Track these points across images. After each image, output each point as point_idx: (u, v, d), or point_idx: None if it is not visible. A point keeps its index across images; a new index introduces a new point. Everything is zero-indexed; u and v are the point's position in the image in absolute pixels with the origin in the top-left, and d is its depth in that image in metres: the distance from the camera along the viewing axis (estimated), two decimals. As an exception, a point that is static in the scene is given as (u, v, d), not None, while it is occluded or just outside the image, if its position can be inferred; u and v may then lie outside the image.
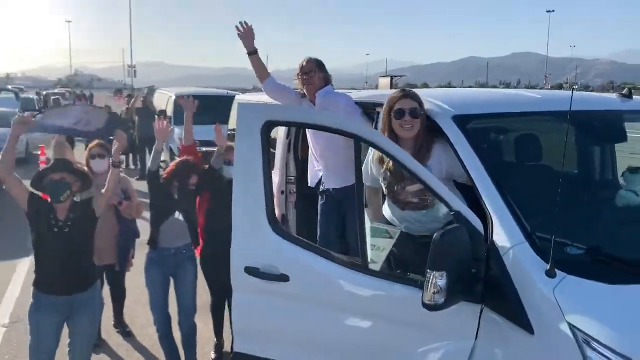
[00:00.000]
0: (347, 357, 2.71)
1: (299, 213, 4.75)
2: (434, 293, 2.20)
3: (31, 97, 26.69)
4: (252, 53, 3.81)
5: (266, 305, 2.79)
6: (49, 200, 3.24)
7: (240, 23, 3.81)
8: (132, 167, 13.90)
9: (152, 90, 22.57)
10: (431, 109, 2.90)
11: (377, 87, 5.38)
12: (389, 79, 5.05)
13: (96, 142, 4.42)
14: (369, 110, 3.67)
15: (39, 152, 11.44)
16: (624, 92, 3.41)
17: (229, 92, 14.79)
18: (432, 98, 3.01)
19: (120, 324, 5.03)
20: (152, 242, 3.96)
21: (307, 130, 3.97)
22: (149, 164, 4.09)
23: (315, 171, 4.06)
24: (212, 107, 12.71)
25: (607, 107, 3.45)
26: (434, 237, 2.19)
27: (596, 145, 3.80)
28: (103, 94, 61.52)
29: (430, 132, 2.85)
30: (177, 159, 4.08)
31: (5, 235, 7.73)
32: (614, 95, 3.56)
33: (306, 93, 3.80)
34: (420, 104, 2.87)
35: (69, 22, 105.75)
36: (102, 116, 3.69)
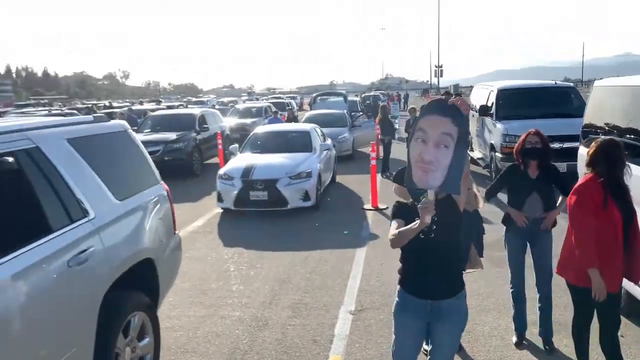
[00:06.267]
0: None
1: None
2: None
3: (354, 99, 29.62)
4: None
5: None
6: (411, 199, 2.95)
7: None
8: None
9: (456, 88, 22.13)
10: None
11: None
12: None
13: None
14: None
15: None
16: None
17: (556, 82, 13.49)
18: None
19: None
20: (506, 218, 4.53)
21: None
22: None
23: None
24: (541, 100, 11.78)
25: None
26: None
27: None
28: (411, 94, 65.25)
29: None
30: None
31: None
32: None
33: None
34: None
35: (383, 29, 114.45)
36: None
